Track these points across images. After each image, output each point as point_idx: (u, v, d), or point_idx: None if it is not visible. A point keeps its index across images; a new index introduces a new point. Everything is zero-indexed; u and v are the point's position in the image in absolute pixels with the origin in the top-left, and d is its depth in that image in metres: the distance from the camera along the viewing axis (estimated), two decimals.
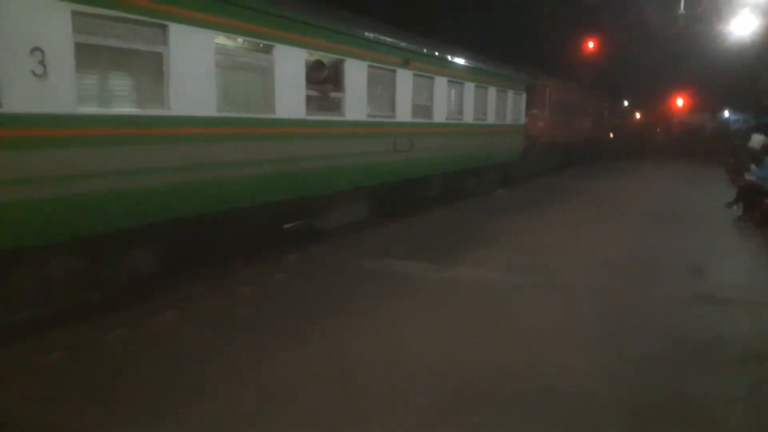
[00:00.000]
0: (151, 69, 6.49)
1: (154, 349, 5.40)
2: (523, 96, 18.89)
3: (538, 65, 22.63)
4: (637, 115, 56.68)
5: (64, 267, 5.93)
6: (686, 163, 30.26)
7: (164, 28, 6.43)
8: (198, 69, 6.91)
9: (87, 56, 5.73)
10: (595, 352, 5.46)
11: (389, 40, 10.84)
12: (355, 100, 9.96)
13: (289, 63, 8.41)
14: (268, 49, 8.12)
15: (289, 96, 8.47)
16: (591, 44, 43.72)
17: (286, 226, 10.07)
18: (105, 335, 5.57)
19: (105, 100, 6.09)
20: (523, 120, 19.10)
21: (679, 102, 55.44)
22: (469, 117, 14.60)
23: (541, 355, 5.36)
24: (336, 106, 9.70)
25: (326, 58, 9.52)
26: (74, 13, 5.47)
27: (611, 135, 42.81)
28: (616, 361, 5.28)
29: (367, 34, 10.21)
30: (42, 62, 5.23)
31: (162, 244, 7.03)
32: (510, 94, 17.41)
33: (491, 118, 16.06)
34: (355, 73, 9.90)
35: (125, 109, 6.27)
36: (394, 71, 11.08)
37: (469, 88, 14.44)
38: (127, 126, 6.14)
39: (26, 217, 5.25)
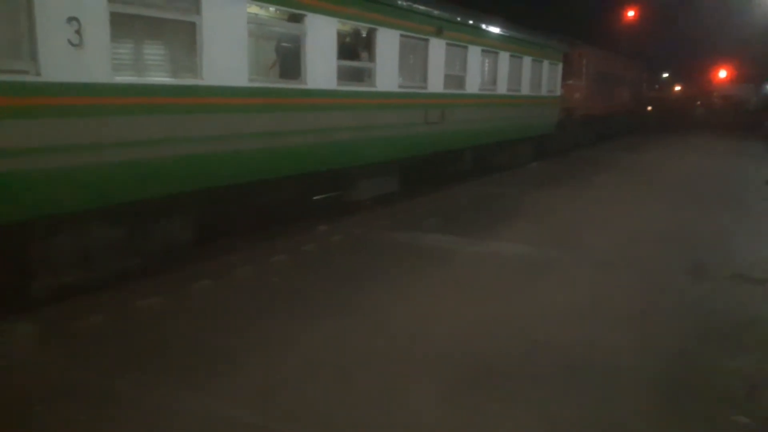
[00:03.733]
0: (185, 39, 6.50)
1: (189, 316, 5.52)
2: (560, 66, 18.42)
3: (575, 34, 22.01)
4: (677, 88, 54.95)
5: (104, 234, 6.06)
6: (727, 138, 29.30)
7: None
8: (230, 39, 6.89)
9: (122, 26, 5.76)
10: (626, 327, 5.38)
11: (422, 8, 10.62)
12: (387, 71, 9.83)
13: (321, 32, 8.31)
14: (299, 18, 8.04)
15: (321, 66, 8.39)
16: (631, 13, 42.40)
17: (316, 197, 10.09)
18: (142, 301, 5.70)
19: (139, 69, 6.12)
20: (559, 91, 18.64)
21: (721, 74, 53.52)
22: (503, 88, 14.32)
23: (572, 329, 5.31)
24: (367, 77, 9.61)
25: (358, 27, 9.41)
26: None
27: (650, 107, 41.66)
28: (648, 337, 5.19)
29: (399, 2, 10.02)
30: (78, 32, 5.27)
31: (197, 214, 7.12)
32: (546, 63, 16.99)
33: (526, 89, 15.72)
34: (387, 42, 9.75)
35: (159, 78, 6.30)
36: (426, 40, 10.88)
37: (504, 57, 14.13)
38: (160, 95, 6.18)
39: (63, 184, 5.35)
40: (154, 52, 6.37)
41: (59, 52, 5.16)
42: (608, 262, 7.46)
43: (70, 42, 5.22)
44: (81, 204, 5.63)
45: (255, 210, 8.42)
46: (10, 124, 4.89)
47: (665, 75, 51.60)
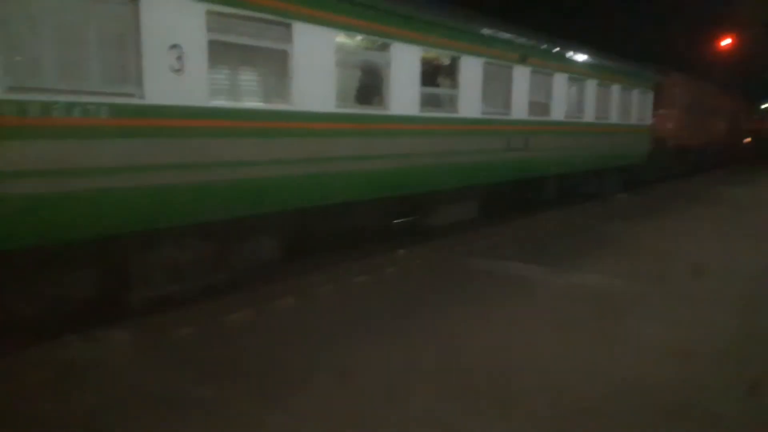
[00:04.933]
0: (276, 66, 6.80)
1: (274, 332, 5.64)
2: (651, 95, 17.77)
3: (667, 62, 21.21)
4: None
5: (196, 250, 6.35)
6: None
7: (289, 26, 6.71)
8: (319, 66, 7.14)
9: (218, 53, 6.10)
10: (724, 370, 4.95)
11: (506, 36, 10.62)
12: (470, 98, 9.84)
13: (405, 60, 8.47)
14: (385, 47, 8.24)
15: (404, 93, 8.53)
16: (727, 41, 40.38)
17: (397, 221, 10.14)
18: (229, 315, 5.89)
19: (233, 94, 6.45)
20: (649, 120, 17.96)
21: None
22: (590, 116, 13.96)
23: (664, 370, 4.93)
24: (450, 103, 9.65)
25: (442, 54, 9.51)
26: (208, 13, 5.85)
27: (748, 139, 39.22)
28: (750, 383, 4.72)
29: (483, 30, 10.06)
30: (180, 58, 5.65)
31: (283, 233, 7.33)
32: (636, 92, 16.45)
33: (614, 118, 15.25)
34: (471, 70, 9.78)
35: (251, 103, 6.61)
36: (510, 68, 10.83)
37: (591, 85, 13.81)
38: (253, 119, 6.47)
39: (162, 201, 5.67)
40: (247, 78, 6.70)
41: (162, 77, 5.54)
42: (703, 299, 6.94)
43: (171, 68, 5.60)
44: (177, 220, 5.94)
45: (337, 231, 8.56)
46: (116, 144, 5.26)
47: (765, 105, 48.53)
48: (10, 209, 4.70)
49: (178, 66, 5.64)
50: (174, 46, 5.60)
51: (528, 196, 12.98)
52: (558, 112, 12.55)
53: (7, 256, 4.81)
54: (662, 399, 4.44)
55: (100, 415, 4.07)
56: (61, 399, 4.26)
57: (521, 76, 11.12)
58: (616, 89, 15.12)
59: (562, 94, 12.67)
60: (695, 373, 4.88)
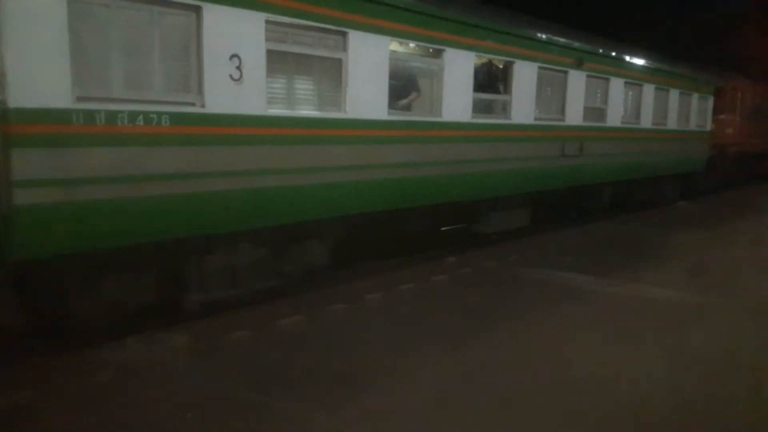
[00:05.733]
0: (330, 74, 6.85)
1: (324, 338, 5.71)
2: (710, 100, 17.12)
3: (728, 66, 20.40)
4: None
5: (250, 255, 6.46)
6: None
7: (345, 35, 6.75)
8: (372, 74, 7.16)
9: (275, 62, 6.19)
10: None
11: (562, 40, 10.42)
12: (523, 103, 9.69)
13: (458, 66, 8.40)
14: (438, 53, 8.20)
15: (456, 99, 8.46)
16: None
17: (444, 228, 10.06)
18: (281, 320, 5.97)
19: (289, 103, 6.54)
20: (709, 126, 17.32)
21: None
22: (647, 121, 13.56)
23: (729, 385, 4.76)
24: (503, 109, 9.53)
25: (495, 59, 9.40)
26: (267, 22, 5.95)
27: None
28: None
29: (538, 34, 9.90)
30: (239, 68, 5.76)
31: (332, 240, 7.38)
32: (695, 97, 15.88)
33: (673, 123, 14.78)
34: (524, 75, 9.63)
35: (306, 111, 6.68)
36: (565, 72, 10.62)
37: (648, 90, 13.41)
38: (308, 127, 6.55)
39: (218, 207, 5.79)
40: (302, 86, 6.77)
41: (222, 86, 5.65)
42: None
43: (231, 77, 5.71)
44: (233, 226, 6.05)
45: (387, 238, 8.57)
46: (177, 151, 5.41)
47: None
48: (78, 214, 4.87)
49: (238, 75, 5.75)
50: (234, 56, 5.71)
51: (582, 204, 12.70)
52: (614, 117, 12.24)
53: (69, 260, 4.99)
54: (725, 416, 4.29)
55: (153, 415, 4.18)
56: (120, 398, 4.40)
57: (576, 81, 10.89)
58: (674, 94, 14.64)
59: (619, 99, 12.36)
60: (759, 390, 4.69)
